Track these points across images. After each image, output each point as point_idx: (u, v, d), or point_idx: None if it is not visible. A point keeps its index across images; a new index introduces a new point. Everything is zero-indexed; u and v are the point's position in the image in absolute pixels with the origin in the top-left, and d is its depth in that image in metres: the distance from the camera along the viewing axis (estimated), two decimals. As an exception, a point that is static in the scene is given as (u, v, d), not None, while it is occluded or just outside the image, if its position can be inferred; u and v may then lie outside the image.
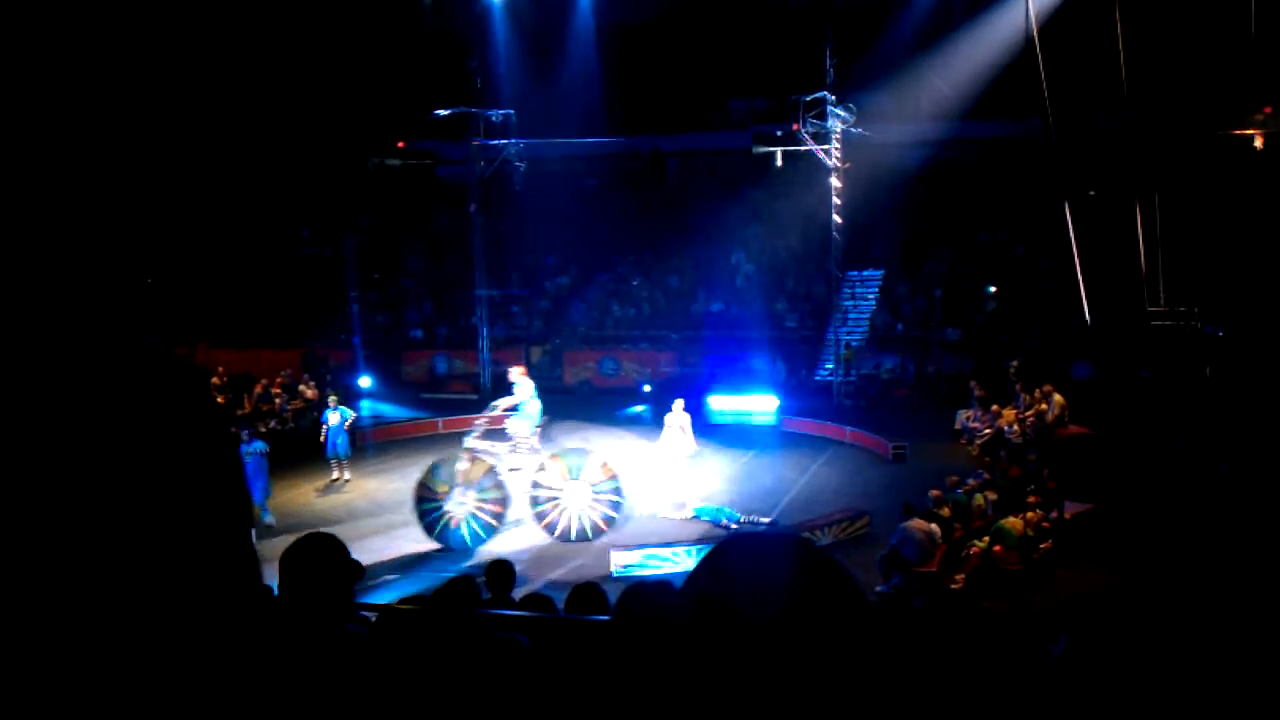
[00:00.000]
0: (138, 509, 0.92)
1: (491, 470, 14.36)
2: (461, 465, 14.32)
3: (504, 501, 14.37)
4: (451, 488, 14.23)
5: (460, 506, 14.22)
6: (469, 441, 14.68)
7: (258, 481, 15.06)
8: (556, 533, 14.25)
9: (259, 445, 15.35)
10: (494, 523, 14.31)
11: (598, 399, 24.57)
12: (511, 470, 14.62)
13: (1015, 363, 20.20)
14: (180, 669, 0.94)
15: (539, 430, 15.04)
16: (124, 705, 0.92)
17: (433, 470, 14.47)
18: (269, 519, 15.09)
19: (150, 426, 0.95)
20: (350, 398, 20.07)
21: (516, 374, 15.10)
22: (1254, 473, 14.60)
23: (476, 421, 15.02)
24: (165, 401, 0.98)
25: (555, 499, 14.29)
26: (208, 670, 0.97)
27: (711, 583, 0.99)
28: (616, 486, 14.44)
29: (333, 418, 17.94)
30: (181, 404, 0.99)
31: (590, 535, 14.21)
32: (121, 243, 25.88)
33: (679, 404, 16.76)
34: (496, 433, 15.08)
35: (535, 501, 14.33)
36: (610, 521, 14.33)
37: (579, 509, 14.29)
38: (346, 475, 17.98)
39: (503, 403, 14.88)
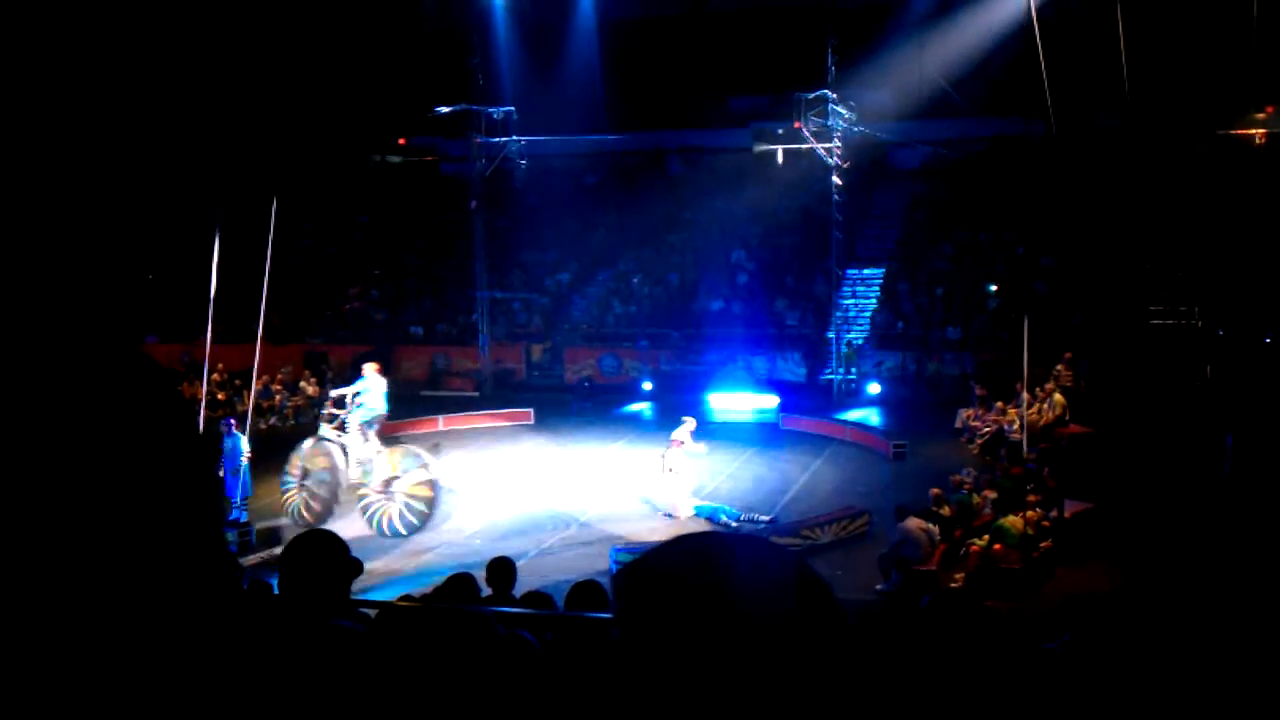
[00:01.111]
0: (89, 510, 0.90)
1: (331, 464, 14.74)
2: (306, 446, 14.94)
3: (331, 494, 14.76)
4: (298, 471, 14.79)
5: (298, 490, 14.75)
6: (322, 429, 15.19)
7: (238, 480, 14.91)
8: (372, 525, 14.55)
9: (239, 441, 15.06)
10: (318, 509, 14.62)
11: (597, 396, 24.57)
12: (355, 461, 14.99)
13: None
14: (150, 670, 0.92)
15: (375, 426, 15.42)
16: (91, 707, 0.90)
17: (292, 451, 15.09)
18: (244, 518, 14.88)
19: (106, 424, 0.93)
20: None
21: (368, 369, 15.61)
22: (1255, 471, 14.59)
23: (326, 410, 15.55)
24: (124, 399, 0.95)
25: (376, 492, 14.62)
26: (182, 671, 0.95)
27: (699, 575, 0.96)
28: (425, 509, 14.64)
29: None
30: (141, 402, 0.97)
31: (389, 533, 14.41)
32: (113, 239, 25.89)
33: (689, 424, 15.77)
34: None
35: (359, 487, 14.76)
36: (404, 535, 14.40)
37: (391, 506, 14.54)
38: None
39: (337, 392, 15.53)
